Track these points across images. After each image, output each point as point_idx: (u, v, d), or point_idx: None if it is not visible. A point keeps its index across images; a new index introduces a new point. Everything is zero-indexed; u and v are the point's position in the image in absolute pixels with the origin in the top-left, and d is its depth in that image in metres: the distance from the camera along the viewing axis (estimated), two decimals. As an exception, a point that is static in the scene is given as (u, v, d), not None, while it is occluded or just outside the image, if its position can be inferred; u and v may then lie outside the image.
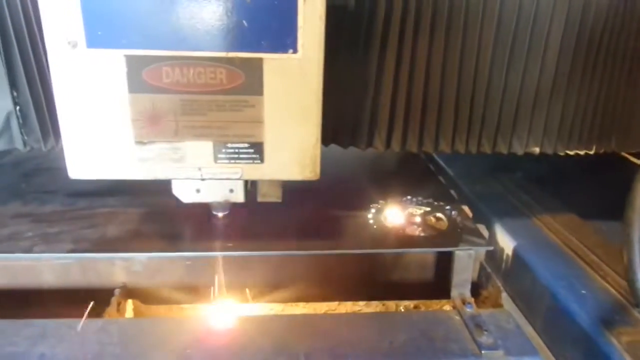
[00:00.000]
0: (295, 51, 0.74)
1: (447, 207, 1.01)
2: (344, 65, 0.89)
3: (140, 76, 0.74)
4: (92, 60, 0.73)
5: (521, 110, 0.91)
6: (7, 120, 0.87)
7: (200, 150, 0.79)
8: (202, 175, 0.81)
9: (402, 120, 0.90)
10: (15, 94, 0.85)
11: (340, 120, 0.93)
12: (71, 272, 0.88)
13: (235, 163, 0.80)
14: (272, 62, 0.74)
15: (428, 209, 1.01)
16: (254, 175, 0.82)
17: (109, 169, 0.79)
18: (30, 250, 0.85)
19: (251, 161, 0.80)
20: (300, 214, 1.00)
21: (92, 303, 0.78)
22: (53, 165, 1.23)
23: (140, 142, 0.78)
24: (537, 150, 0.94)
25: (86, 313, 0.75)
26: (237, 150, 0.80)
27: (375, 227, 0.95)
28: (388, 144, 0.93)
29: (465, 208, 1.02)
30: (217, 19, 0.72)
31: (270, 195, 0.91)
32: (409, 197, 1.05)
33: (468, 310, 0.80)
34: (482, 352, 0.71)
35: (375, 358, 0.69)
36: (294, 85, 0.76)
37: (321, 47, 0.74)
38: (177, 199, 0.87)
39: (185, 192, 0.88)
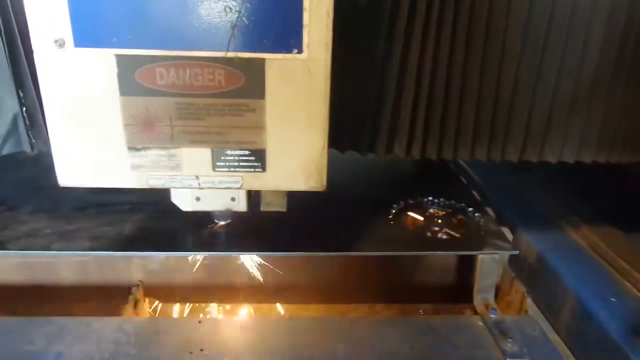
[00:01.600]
0: (300, 51, 0.67)
1: (470, 209, 0.97)
2: (361, 65, 0.82)
3: (132, 77, 0.69)
4: (80, 60, 0.68)
5: (555, 116, 0.83)
6: (14, 122, 0.83)
7: (197, 158, 0.74)
8: (200, 184, 0.75)
9: (423, 125, 0.84)
10: (21, 94, 0.81)
11: (357, 125, 0.87)
12: (88, 269, 0.87)
13: (235, 171, 0.75)
14: (275, 63, 0.68)
15: (450, 210, 0.97)
16: (255, 185, 0.76)
17: (101, 176, 0.74)
18: (48, 247, 0.83)
19: (252, 170, 0.74)
20: (319, 214, 0.96)
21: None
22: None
23: (133, 148, 0.73)
24: (572, 159, 0.87)
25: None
26: (237, 158, 0.74)
27: (395, 228, 0.92)
28: (408, 150, 0.86)
29: (489, 210, 0.99)
30: (216, 15, 0.66)
31: (274, 205, 0.85)
32: (430, 198, 1.00)
33: (492, 316, 0.78)
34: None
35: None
36: (298, 88, 0.69)
37: (328, 46, 0.67)
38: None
39: (185, 201, 0.83)
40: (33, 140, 0.85)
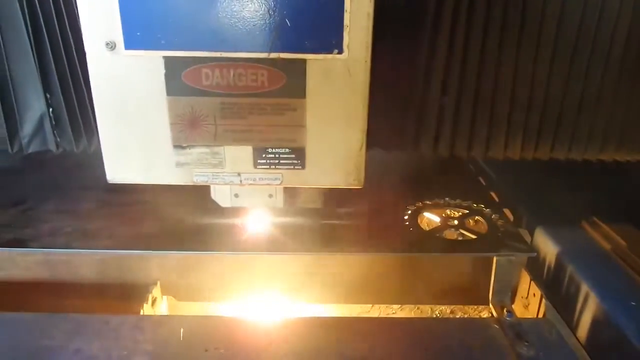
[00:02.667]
0: (340, 51, 0.69)
1: (487, 210, 0.95)
2: (389, 60, 0.83)
3: (179, 78, 0.71)
4: (130, 62, 0.71)
5: (583, 114, 0.84)
6: (40, 121, 0.87)
7: (239, 155, 0.76)
8: (242, 181, 0.78)
9: (452, 121, 0.84)
10: (48, 95, 0.84)
11: (383, 121, 0.88)
12: (107, 267, 0.89)
13: (275, 169, 0.77)
14: (316, 63, 0.70)
15: (466, 211, 0.95)
16: (294, 182, 0.78)
17: (147, 173, 0.77)
18: (68, 245, 0.85)
19: (292, 167, 0.77)
20: (334, 214, 0.96)
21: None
22: (93, 160, 1.22)
23: (178, 146, 0.76)
24: (596, 156, 0.87)
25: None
26: (277, 156, 0.76)
27: (411, 229, 0.90)
28: (435, 148, 0.87)
29: (506, 211, 0.97)
30: (259, 18, 0.68)
31: (310, 202, 0.88)
32: (446, 198, 0.99)
33: (508, 318, 0.76)
34: (524, 365, 0.67)
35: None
36: (338, 87, 0.71)
37: (368, 47, 0.69)
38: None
39: (224, 197, 0.86)
40: (58, 139, 0.89)
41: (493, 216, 0.93)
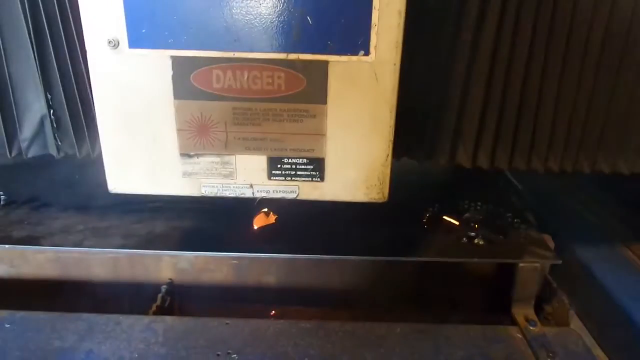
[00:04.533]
0: (366, 53, 0.63)
1: (509, 215, 0.92)
2: (422, 62, 0.76)
3: (187, 80, 0.65)
4: (134, 61, 0.65)
5: (630, 125, 0.76)
6: (41, 124, 0.80)
7: (252, 165, 0.70)
8: (254, 193, 0.71)
9: (494, 131, 0.77)
10: (49, 96, 0.78)
11: (415, 129, 0.80)
12: (119, 267, 0.85)
13: (291, 180, 0.70)
14: (339, 66, 0.63)
15: (487, 215, 0.92)
16: (312, 195, 0.71)
17: (151, 183, 0.71)
18: (80, 244, 0.82)
19: (310, 179, 0.70)
20: (350, 216, 0.90)
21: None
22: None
23: (185, 155, 0.69)
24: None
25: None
26: (294, 166, 0.69)
27: (430, 233, 0.87)
28: (474, 159, 0.80)
29: (529, 216, 0.93)
30: (277, 15, 0.61)
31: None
32: (466, 202, 0.95)
33: (532, 328, 0.74)
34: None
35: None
36: (363, 92, 0.64)
37: (399, 48, 0.62)
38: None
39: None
40: (59, 143, 0.82)
41: (515, 221, 0.90)
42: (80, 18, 0.64)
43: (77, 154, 0.82)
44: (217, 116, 0.67)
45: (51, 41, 0.75)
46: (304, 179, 0.70)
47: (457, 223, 0.89)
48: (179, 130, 0.68)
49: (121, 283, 0.85)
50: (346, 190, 0.70)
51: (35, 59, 0.76)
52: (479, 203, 0.95)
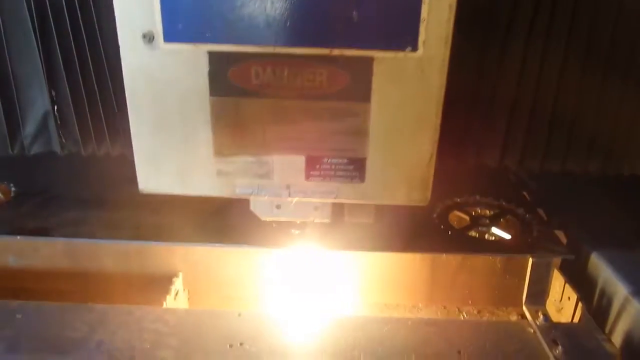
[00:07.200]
0: (414, 49, 0.60)
1: (520, 210, 0.91)
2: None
3: (224, 76, 0.62)
4: (169, 56, 0.62)
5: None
6: (44, 120, 0.78)
7: (290, 165, 0.67)
8: (291, 194, 0.69)
9: (524, 132, 0.75)
10: (53, 92, 0.75)
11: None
12: (131, 258, 0.85)
13: (330, 181, 0.67)
14: (385, 62, 0.60)
15: (498, 210, 0.91)
16: (351, 197, 0.68)
17: (183, 183, 0.68)
18: (92, 235, 0.81)
19: (349, 180, 0.67)
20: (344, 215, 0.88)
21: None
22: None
23: (220, 154, 0.66)
24: None
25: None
26: (333, 167, 0.67)
27: (441, 227, 0.86)
28: (502, 159, 0.77)
29: (540, 211, 0.92)
30: (320, 8, 0.58)
31: (360, 216, 0.78)
32: (477, 197, 0.94)
33: (543, 322, 0.74)
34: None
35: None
36: (409, 90, 0.62)
37: (448, 44, 0.59)
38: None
39: (264, 209, 0.76)
40: (64, 140, 0.80)
41: (527, 216, 0.89)
42: (89, 9, 0.61)
43: (82, 152, 0.80)
44: (255, 114, 0.64)
45: (57, 35, 0.72)
46: (343, 180, 0.67)
47: (467, 218, 0.88)
48: (214, 128, 0.65)
49: (133, 274, 0.85)
50: (387, 192, 0.67)
51: (39, 53, 0.73)
52: (490, 198, 0.93)
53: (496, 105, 0.76)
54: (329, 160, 0.66)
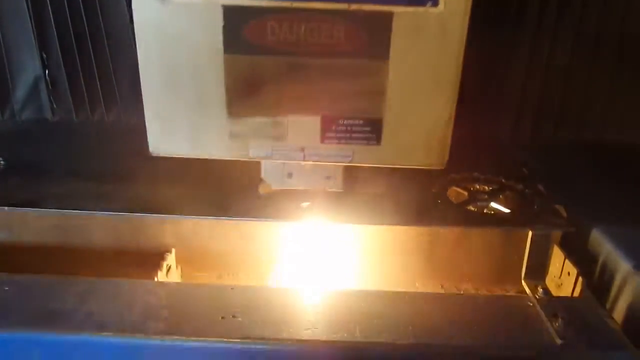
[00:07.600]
0: (435, 4, 0.58)
1: (519, 185, 0.89)
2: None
3: (239, 33, 0.61)
4: (182, 11, 0.60)
5: None
6: (35, 85, 0.75)
7: (305, 126, 0.65)
8: (305, 157, 0.67)
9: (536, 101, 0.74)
10: (44, 56, 0.73)
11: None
12: (122, 233, 0.82)
13: (345, 144, 0.66)
14: (405, 18, 0.59)
15: (497, 186, 0.89)
16: (367, 160, 0.67)
17: (195, 145, 0.67)
18: (83, 207, 0.78)
19: (365, 142, 0.66)
20: (356, 184, 0.85)
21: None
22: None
23: (234, 114, 0.65)
24: None
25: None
26: (349, 128, 0.65)
27: (438, 201, 0.83)
28: (516, 130, 0.77)
29: (540, 187, 0.90)
30: (339, -39, 0.57)
31: (373, 186, 0.77)
32: (476, 173, 0.91)
33: (543, 297, 0.72)
34: (561, 343, 0.62)
35: (439, 340, 0.62)
36: (429, 47, 0.60)
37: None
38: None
39: (275, 177, 0.75)
40: (55, 106, 0.77)
41: (526, 191, 0.87)
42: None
43: (74, 118, 0.77)
44: (270, 73, 0.62)
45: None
46: (359, 141, 0.66)
47: (466, 193, 0.86)
48: (228, 87, 0.63)
49: (124, 250, 0.83)
50: (403, 155, 0.66)
51: (29, 13, 0.71)
52: (489, 175, 0.91)
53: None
54: (344, 122, 0.65)
